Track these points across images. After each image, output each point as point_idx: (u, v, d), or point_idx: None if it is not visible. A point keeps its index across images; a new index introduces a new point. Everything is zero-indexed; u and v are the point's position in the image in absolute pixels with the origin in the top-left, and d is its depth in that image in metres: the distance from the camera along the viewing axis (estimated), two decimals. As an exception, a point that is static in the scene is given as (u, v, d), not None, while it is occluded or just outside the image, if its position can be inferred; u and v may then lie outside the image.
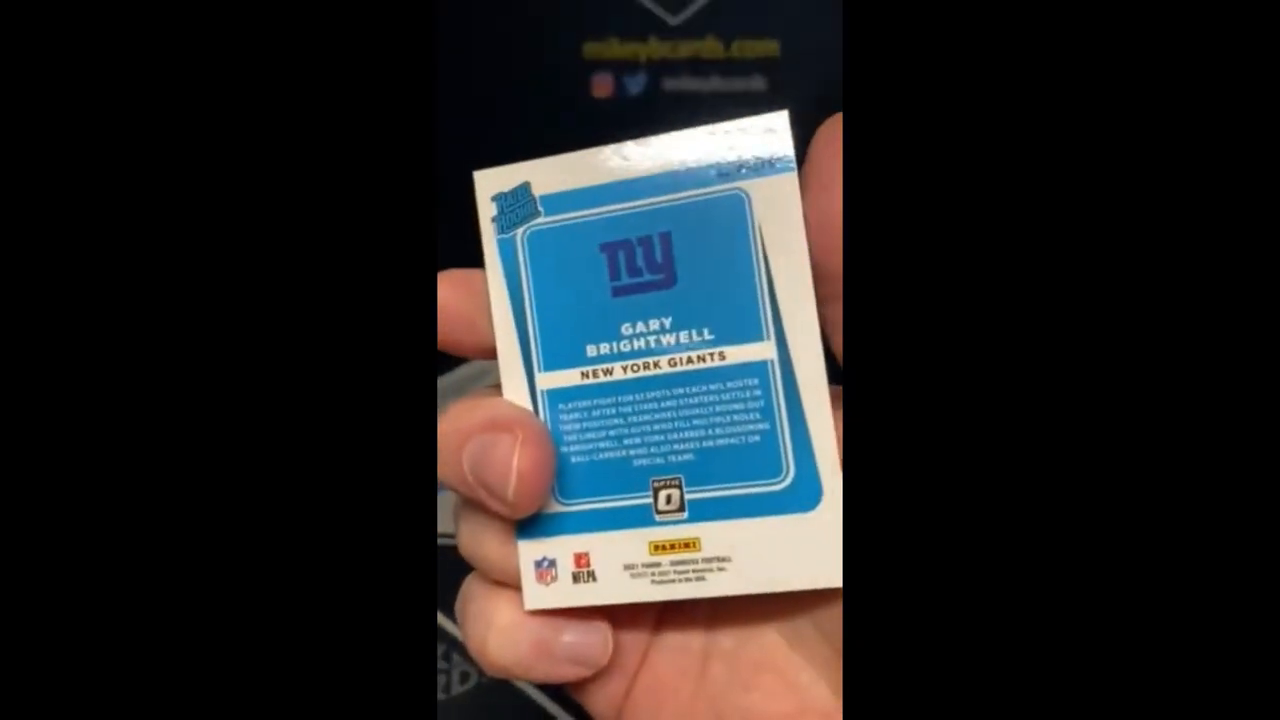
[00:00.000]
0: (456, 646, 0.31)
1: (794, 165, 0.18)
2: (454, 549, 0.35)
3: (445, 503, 0.38)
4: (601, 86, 0.68)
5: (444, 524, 0.37)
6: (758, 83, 0.68)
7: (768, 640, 0.20)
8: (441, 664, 0.30)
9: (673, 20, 0.67)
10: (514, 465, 0.17)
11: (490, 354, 0.20)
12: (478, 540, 0.20)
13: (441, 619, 0.32)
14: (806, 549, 0.18)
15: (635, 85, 0.69)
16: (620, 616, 0.20)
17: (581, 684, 0.20)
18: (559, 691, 0.29)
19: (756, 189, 0.18)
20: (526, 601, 0.19)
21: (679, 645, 0.20)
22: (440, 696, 0.29)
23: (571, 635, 0.19)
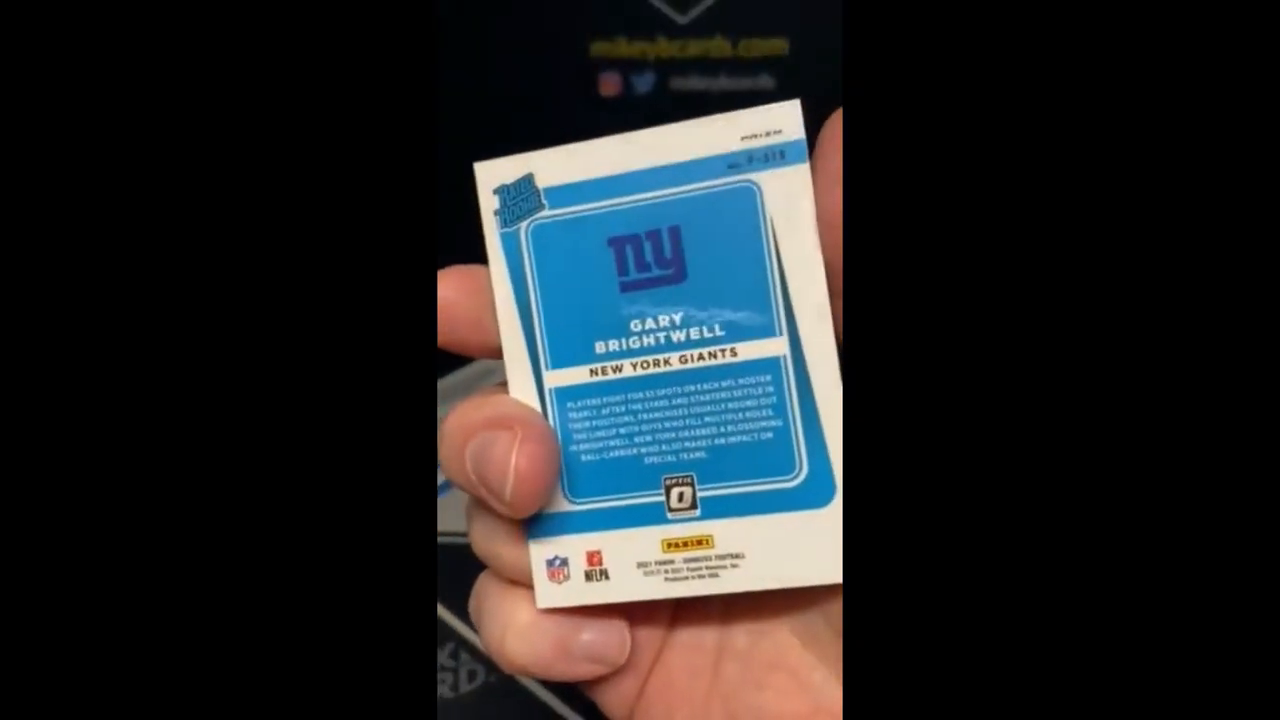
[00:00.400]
0: (464, 645, 0.31)
1: (806, 156, 0.18)
2: (458, 547, 0.35)
3: (449, 502, 0.38)
4: (609, 85, 0.68)
5: (449, 522, 0.37)
6: (765, 81, 0.68)
7: (781, 639, 0.20)
8: (449, 662, 0.30)
9: (681, 19, 0.67)
10: (512, 464, 0.17)
11: (497, 353, 0.19)
12: (489, 540, 0.20)
13: (449, 617, 0.32)
14: (820, 545, 0.18)
15: (643, 84, 0.69)
16: (634, 614, 0.20)
17: (595, 681, 0.20)
18: (566, 690, 0.29)
19: (768, 181, 0.18)
20: (539, 600, 0.19)
21: (692, 644, 0.20)
22: (448, 695, 0.29)
23: (590, 634, 0.19)
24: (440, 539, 0.36)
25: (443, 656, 0.31)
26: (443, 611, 0.33)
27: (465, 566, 0.34)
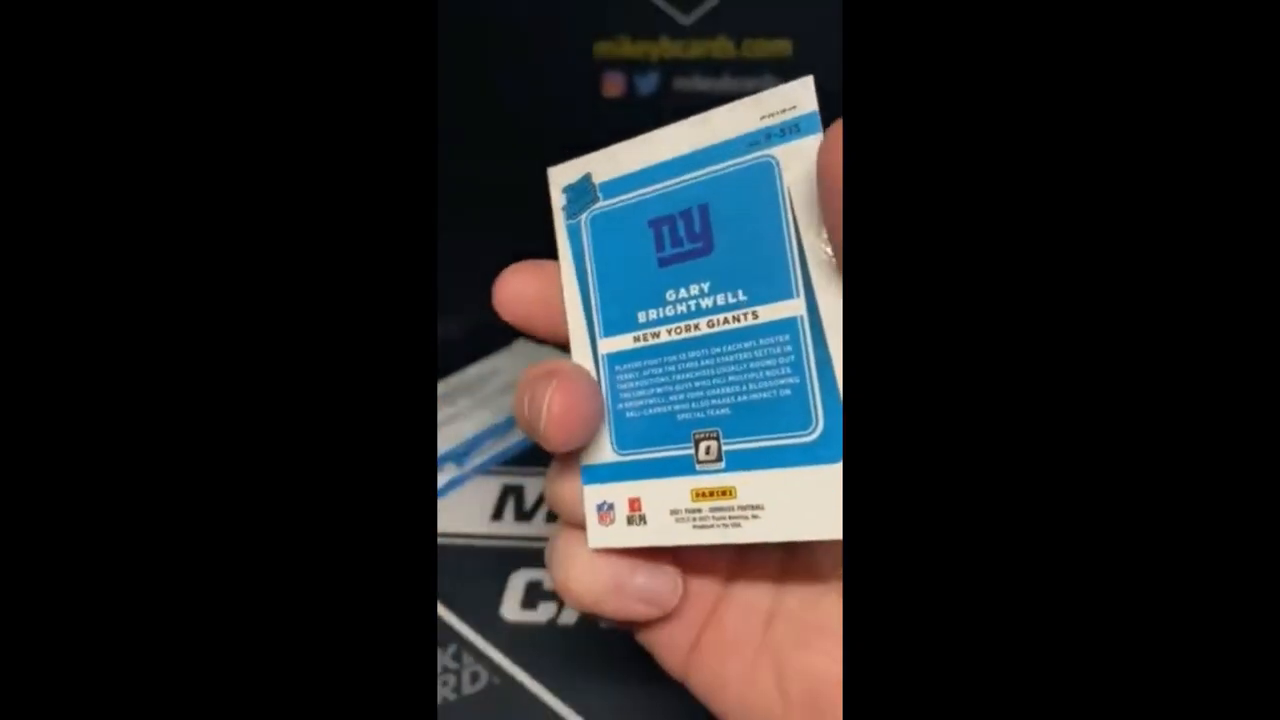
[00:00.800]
0: (466, 647, 0.31)
1: (819, 127, 0.18)
2: (460, 549, 0.35)
3: (452, 503, 0.38)
4: (612, 86, 0.68)
5: (452, 524, 0.37)
6: (769, 82, 0.67)
7: (831, 605, 0.20)
8: (451, 664, 0.30)
9: (684, 20, 0.67)
10: (545, 403, 0.20)
11: (562, 330, 0.22)
12: (553, 486, 0.22)
13: (452, 619, 0.32)
14: (836, 499, 0.18)
15: (646, 85, 0.69)
16: (691, 568, 0.22)
17: (652, 633, 0.22)
18: (570, 693, 0.29)
19: (784, 154, 0.19)
20: (590, 541, 0.21)
21: (747, 602, 0.22)
22: (450, 697, 0.29)
23: (643, 577, 0.21)
24: (442, 540, 0.36)
25: (445, 658, 0.31)
26: (446, 613, 0.32)
27: (468, 567, 0.34)
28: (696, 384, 0.20)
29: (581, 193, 0.21)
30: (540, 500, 0.38)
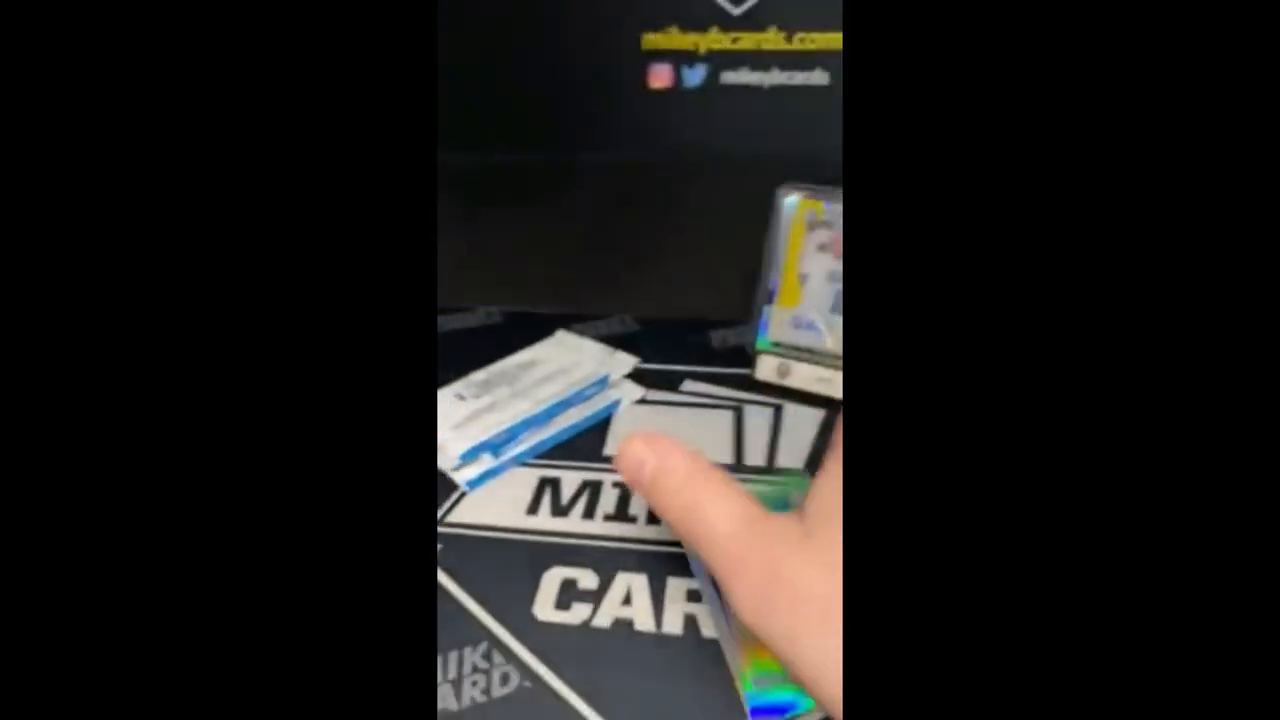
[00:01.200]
0: (498, 645, 0.30)
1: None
2: (494, 540, 0.34)
3: (484, 496, 0.37)
4: (659, 78, 0.67)
5: (493, 517, 0.36)
6: (819, 76, 0.66)
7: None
8: (482, 663, 0.29)
9: (735, 10, 0.66)
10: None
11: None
12: None
13: (485, 616, 0.31)
14: None
15: (694, 77, 0.67)
16: None
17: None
18: (603, 700, 0.28)
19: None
20: None
21: None
22: (480, 699, 0.28)
23: None
24: (475, 533, 0.35)
25: (475, 657, 0.30)
26: (478, 610, 0.32)
27: (501, 562, 0.33)
28: None
29: None
30: (577, 495, 0.37)
